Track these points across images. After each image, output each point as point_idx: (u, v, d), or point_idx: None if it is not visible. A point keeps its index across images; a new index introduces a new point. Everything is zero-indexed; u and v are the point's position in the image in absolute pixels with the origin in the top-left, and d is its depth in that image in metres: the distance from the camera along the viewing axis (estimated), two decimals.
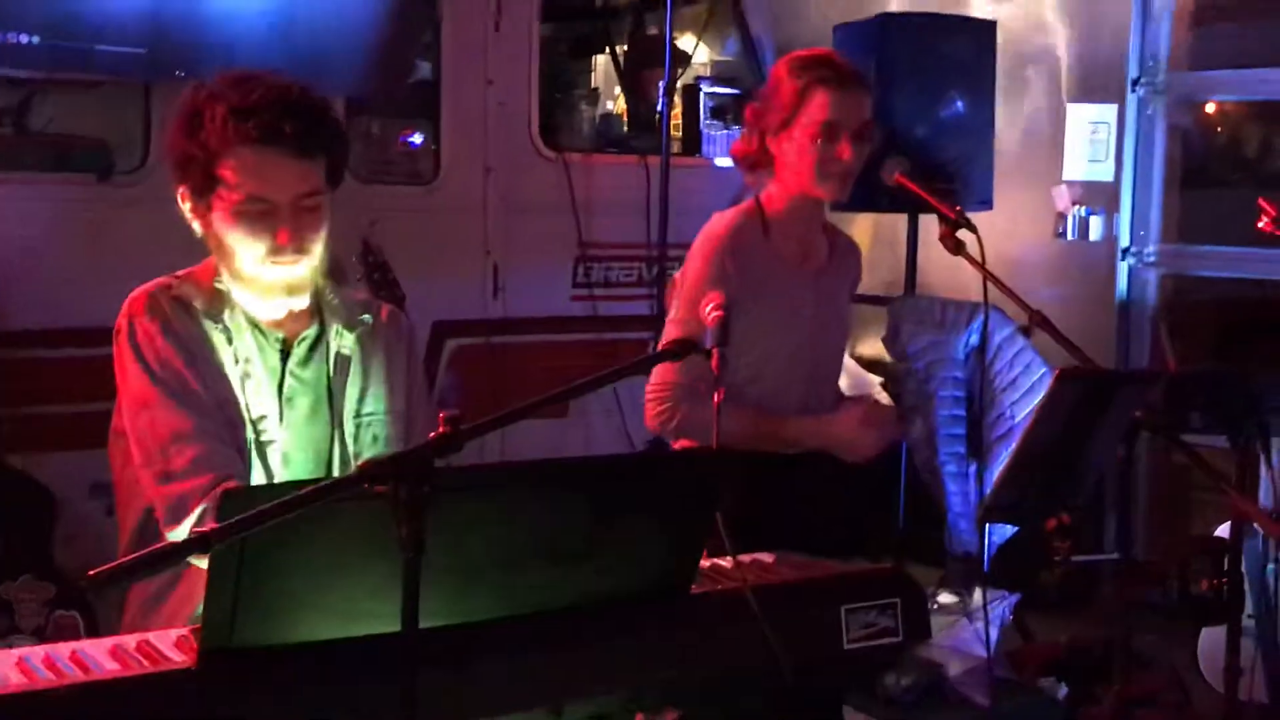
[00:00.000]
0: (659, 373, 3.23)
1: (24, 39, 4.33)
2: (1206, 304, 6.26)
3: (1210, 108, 6.80)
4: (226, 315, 2.64)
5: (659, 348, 2.36)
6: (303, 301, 2.66)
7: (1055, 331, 2.81)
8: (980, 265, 2.92)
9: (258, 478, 2.61)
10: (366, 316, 2.78)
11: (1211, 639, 4.00)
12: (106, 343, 2.69)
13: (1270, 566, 3.80)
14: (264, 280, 2.59)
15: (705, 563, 2.41)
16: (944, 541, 5.65)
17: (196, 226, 2.63)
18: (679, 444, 3.24)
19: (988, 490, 2.84)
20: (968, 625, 4.80)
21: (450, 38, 5.73)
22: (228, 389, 2.61)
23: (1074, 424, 2.61)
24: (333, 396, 2.72)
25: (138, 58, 4.61)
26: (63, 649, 2.04)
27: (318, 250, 2.62)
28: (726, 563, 2.45)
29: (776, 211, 3.37)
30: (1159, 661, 4.24)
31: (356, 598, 1.92)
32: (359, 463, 1.81)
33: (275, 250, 2.55)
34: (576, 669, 2.13)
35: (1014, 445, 2.65)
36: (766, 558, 2.61)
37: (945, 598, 5.27)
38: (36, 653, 2.02)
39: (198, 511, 2.47)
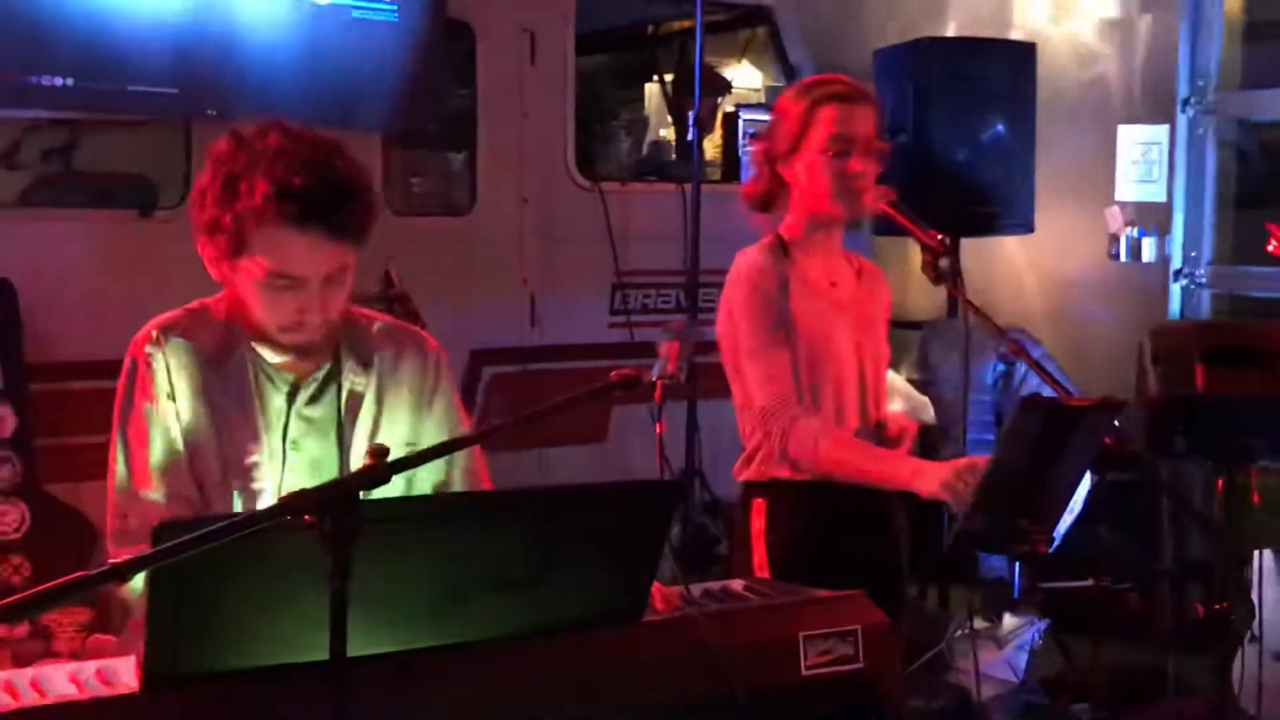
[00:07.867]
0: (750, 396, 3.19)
1: (57, 81, 4.42)
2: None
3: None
4: (233, 360, 2.58)
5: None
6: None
7: (1030, 359, 2.81)
8: (961, 294, 2.91)
9: None
10: (386, 352, 2.69)
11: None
12: None
13: None
14: (280, 341, 2.54)
15: (668, 590, 2.43)
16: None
17: (212, 271, 2.55)
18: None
19: None
20: (998, 650, 4.79)
21: (485, 71, 5.82)
22: (214, 440, 2.57)
23: (1040, 452, 2.60)
24: (342, 435, 2.65)
25: (170, 98, 4.68)
26: (26, 674, 2.09)
27: (337, 312, 2.55)
28: (696, 590, 2.48)
29: (796, 240, 3.29)
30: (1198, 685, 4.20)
31: (293, 626, 1.96)
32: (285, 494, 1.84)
33: (296, 324, 2.50)
34: (522, 696, 2.14)
35: (982, 474, 2.64)
36: (736, 584, 2.62)
37: (979, 622, 5.26)
38: None
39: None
